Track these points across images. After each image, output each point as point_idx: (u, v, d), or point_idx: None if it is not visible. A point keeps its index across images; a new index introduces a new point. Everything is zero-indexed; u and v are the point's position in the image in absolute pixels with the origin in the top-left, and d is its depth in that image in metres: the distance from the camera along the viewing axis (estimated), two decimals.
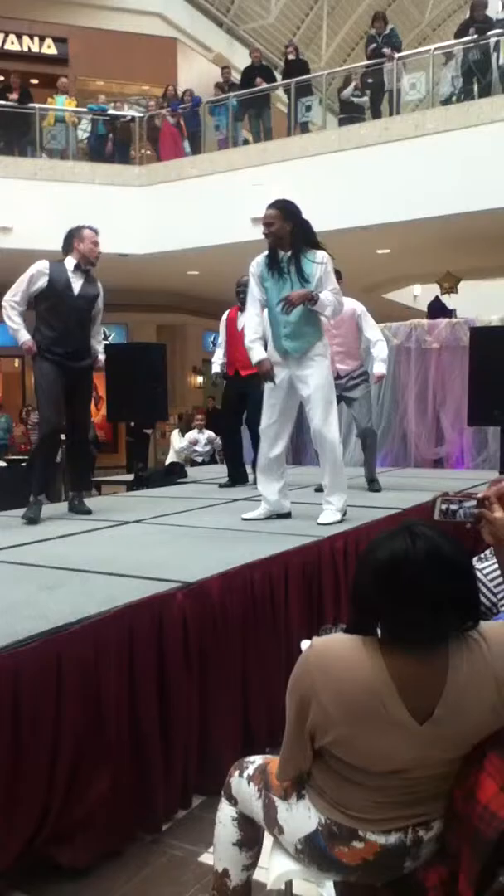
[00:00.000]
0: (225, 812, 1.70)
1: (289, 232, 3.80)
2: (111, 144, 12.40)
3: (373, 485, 5.28)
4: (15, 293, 4.15)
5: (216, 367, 5.86)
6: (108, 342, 15.08)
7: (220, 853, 1.70)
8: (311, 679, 1.45)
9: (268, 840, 1.66)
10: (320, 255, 3.86)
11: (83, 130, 12.49)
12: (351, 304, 5.12)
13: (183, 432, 10.40)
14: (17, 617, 2.25)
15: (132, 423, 7.68)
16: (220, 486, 5.81)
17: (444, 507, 1.62)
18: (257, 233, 11.58)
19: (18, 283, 4.16)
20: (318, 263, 3.84)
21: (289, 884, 1.63)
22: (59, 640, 2.11)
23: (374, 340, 5.31)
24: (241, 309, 5.55)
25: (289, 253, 3.84)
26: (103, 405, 12.19)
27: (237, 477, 5.84)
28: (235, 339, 5.58)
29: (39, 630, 2.11)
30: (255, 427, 5.81)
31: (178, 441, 10.26)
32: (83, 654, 2.16)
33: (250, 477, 5.69)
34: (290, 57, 11.88)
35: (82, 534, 3.70)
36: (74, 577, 2.81)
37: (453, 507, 1.62)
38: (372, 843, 1.46)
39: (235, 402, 5.75)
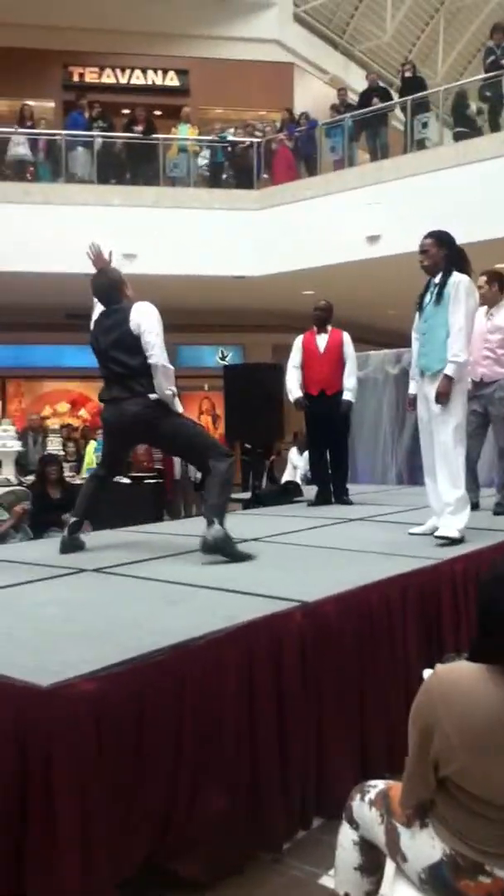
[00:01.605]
0: (346, 836, 1.69)
1: (442, 258, 4.06)
2: (229, 170, 12.74)
3: (499, 507, 5.15)
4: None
5: (297, 392, 5.86)
6: (225, 363, 15.37)
7: (341, 877, 1.70)
8: (434, 708, 1.43)
9: (390, 866, 1.65)
10: (455, 277, 3.99)
11: (203, 157, 12.88)
12: None
13: (301, 451, 10.43)
14: (142, 631, 2.33)
15: (247, 444, 7.77)
16: (309, 504, 5.87)
17: None
18: (372, 251, 11.60)
19: (160, 329, 3.78)
20: (451, 284, 3.98)
21: None
22: (182, 655, 2.17)
23: None
24: (320, 331, 5.84)
25: (437, 278, 4.06)
26: (221, 424, 12.44)
27: (326, 496, 5.88)
28: (317, 360, 5.78)
29: (163, 644, 2.18)
30: (340, 446, 5.91)
31: (296, 459, 10.29)
32: (204, 669, 2.20)
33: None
34: (408, 75, 11.85)
35: (198, 551, 3.78)
36: (194, 593, 2.88)
37: None
38: (499, 878, 1.42)
39: (322, 422, 5.81)
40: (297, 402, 5.90)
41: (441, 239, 4.12)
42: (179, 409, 3.82)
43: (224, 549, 3.53)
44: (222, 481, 3.72)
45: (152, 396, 3.68)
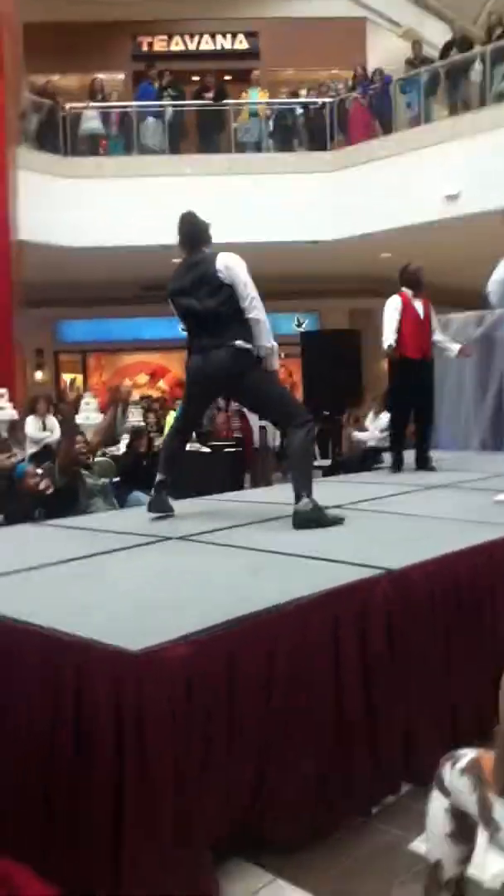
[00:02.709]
0: (437, 803, 1.68)
1: None
2: (302, 132, 12.52)
3: None
4: None
5: (390, 339, 5.62)
6: (301, 329, 15.26)
7: (433, 844, 1.69)
8: None
9: (482, 835, 1.63)
10: None
11: (275, 121, 12.69)
12: None
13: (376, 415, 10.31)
14: (229, 598, 2.35)
15: (325, 411, 7.74)
16: (391, 471, 5.79)
17: None
18: (450, 210, 11.26)
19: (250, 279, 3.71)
20: None
21: None
22: (270, 622, 2.19)
23: None
24: (416, 295, 5.65)
25: None
26: (298, 392, 12.41)
27: (400, 462, 5.79)
28: (419, 324, 5.58)
29: (250, 611, 2.20)
30: (431, 412, 5.85)
31: (372, 424, 10.19)
32: (291, 635, 2.21)
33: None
34: (493, 24, 11.33)
35: (284, 518, 3.78)
36: (279, 560, 2.90)
37: None
38: None
39: (421, 387, 5.70)
40: (390, 348, 5.60)
41: None
42: (276, 365, 3.73)
43: (316, 521, 3.52)
44: (303, 452, 3.68)
45: (240, 344, 3.58)
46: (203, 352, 3.68)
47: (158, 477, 3.94)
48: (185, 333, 3.85)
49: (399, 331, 5.61)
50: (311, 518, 3.51)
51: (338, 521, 3.58)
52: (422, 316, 5.67)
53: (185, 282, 3.71)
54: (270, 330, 3.67)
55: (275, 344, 3.67)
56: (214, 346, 3.62)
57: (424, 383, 5.75)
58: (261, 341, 3.61)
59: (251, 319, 3.58)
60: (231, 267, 3.59)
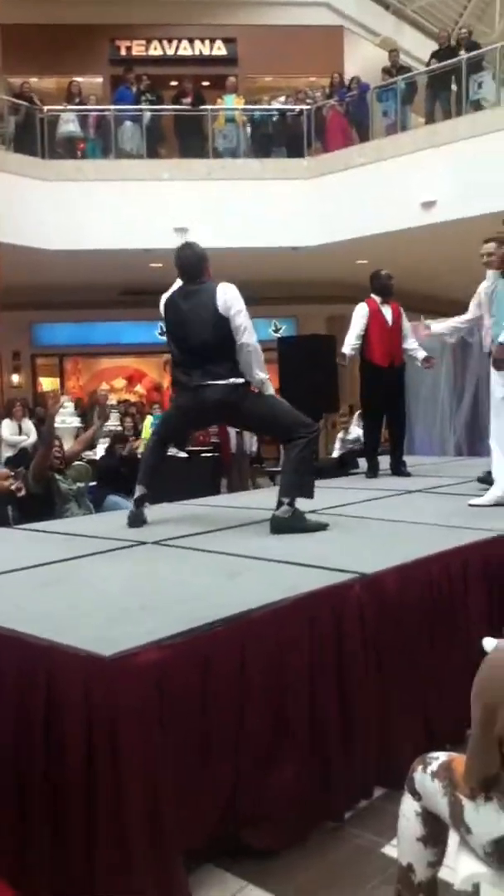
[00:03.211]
0: (408, 806, 1.69)
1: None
2: (279, 139, 12.56)
3: None
4: None
5: (350, 351, 5.68)
6: (278, 335, 15.29)
7: (404, 847, 1.70)
8: (499, 683, 1.41)
9: (453, 837, 1.64)
10: None
11: (251, 127, 12.71)
12: None
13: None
14: (203, 602, 2.35)
15: None
16: (367, 476, 5.83)
17: None
18: (427, 218, 11.34)
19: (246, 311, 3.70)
20: None
21: (476, 886, 1.60)
22: (243, 626, 2.18)
23: None
24: (384, 301, 5.68)
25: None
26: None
27: (376, 467, 5.84)
28: (387, 331, 5.60)
29: (224, 615, 2.19)
30: (402, 417, 5.96)
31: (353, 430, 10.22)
32: (265, 640, 2.21)
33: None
34: (462, 38, 11.46)
35: (260, 523, 3.78)
36: (253, 565, 2.89)
37: None
38: None
39: (388, 393, 5.73)
40: (341, 356, 5.75)
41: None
42: (271, 390, 3.70)
43: (290, 528, 3.54)
44: (296, 462, 3.64)
45: (234, 381, 3.57)
46: (195, 390, 3.62)
47: (138, 491, 3.87)
48: (162, 338, 3.82)
49: (366, 337, 5.65)
50: (289, 525, 3.53)
51: (321, 527, 3.59)
52: (390, 322, 5.68)
53: (182, 312, 3.65)
54: (262, 360, 3.64)
55: (265, 374, 3.65)
56: (208, 385, 3.58)
57: (393, 389, 5.77)
58: (253, 371, 3.59)
59: (245, 346, 3.54)
60: (230, 299, 3.56)
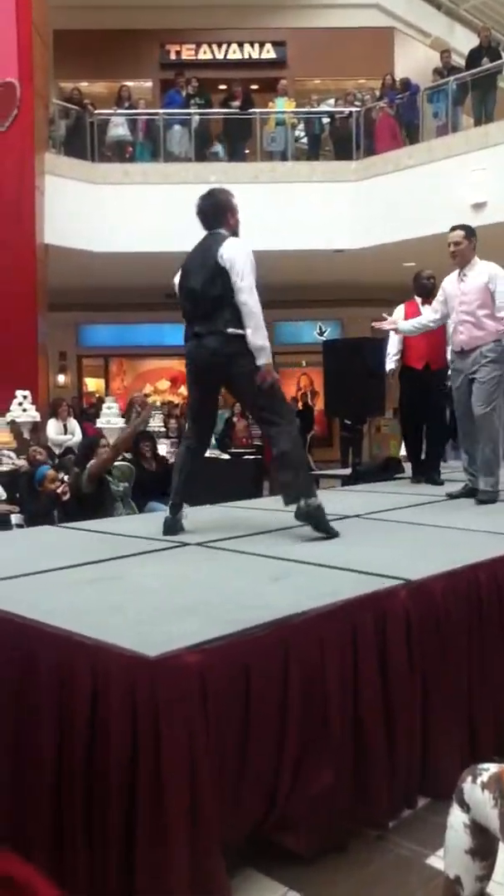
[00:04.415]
0: (457, 818, 1.65)
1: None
2: (328, 141, 12.55)
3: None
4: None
5: (391, 364, 5.66)
6: (323, 338, 15.28)
7: (451, 859, 1.66)
8: None
9: (503, 851, 1.60)
10: None
11: (301, 130, 12.72)
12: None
13: None
14: (246, 606, 2.34)
15: (346, 420, 7.69)
16: (412, 481, 5.73)
17: None
18: (477, 219, 11.21)
19: (251, 269, 3.55)
20: None
21: None
22: (286, 630, 2.16)
23: None
24: (425, 302, 5.47)
25: None
26: (319, 400, 12.37)
27: (421, 471, 5.71)
28: (424, 332, 5.29)
29: (267, 619, 2.18)
30: (441, 424, 5.81)
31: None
32: (308, 645, 2.19)
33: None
34: None
35: (302, 526, 3.76)
36: (296, 568, 2.87)
37: None
38: None
39: (423, 397, 5.57)
40: (391, 372, 5.73)
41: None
42: (265, 360, 3.45)
43: (321, 520, 3.48)
44: (299, 449, 3.57)
45: (231, 331, 3.42)
46: (197, 338, 3.54)
47: (173, 499, 3.74)
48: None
49: (402, 340, 5.56)
50: (315, 516, 3.47)
51: (336, 533, 3.50)
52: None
53: (191, 262, 3.58)
54: (263, 327, 3.47)
55: (266, 344, 3.47)
56: (208, 332, 3.48)
57: (427, 393, 5.56)
58: (250, 336, 3.42)
59: (242, 305, 3.39)
60: (233, 253, 3.43)
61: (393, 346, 5.69)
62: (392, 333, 5.62)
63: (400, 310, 5.66)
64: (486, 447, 4.60)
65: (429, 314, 5.06)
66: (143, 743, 1.84)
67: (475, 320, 4.59)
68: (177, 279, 3.67)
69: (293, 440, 3.56)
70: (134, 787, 1.85)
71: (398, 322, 5.21)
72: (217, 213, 3.63)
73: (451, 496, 4.81)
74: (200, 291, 3.47)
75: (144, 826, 1.83)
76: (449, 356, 5.12)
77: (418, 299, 5.64)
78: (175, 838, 1.81)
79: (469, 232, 4.77)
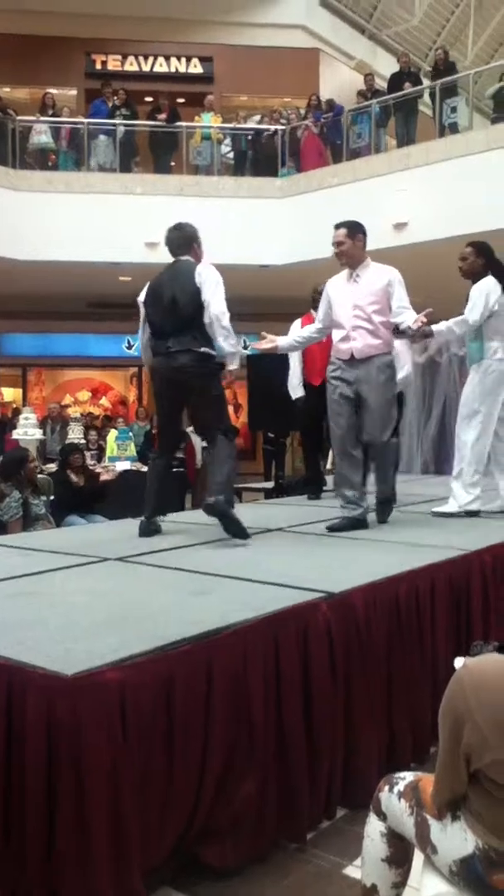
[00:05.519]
0: (374, 827, 1.68)
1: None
2: (253, 158, 12.67)
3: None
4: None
5: (301, 391, 5.59)
6: (247, 351, 15.35)
7: (368, 868, 1.68)
8: (466, 700, 1.41)
9: (418, 858, 1.63)
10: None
11: (227, 146, 12.81)
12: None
13: None
14: (168, 620, 2.32)
15: (270, 433, 7.76)
16: (309, 497, 5.76)
17: None
18: (399, 239, 11.48)
19: (222, 289, 3.88)
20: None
21: None
22: (209, 645, 2.16)
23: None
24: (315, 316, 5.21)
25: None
26: (243, 413, 12.41)
27: (316, 487, 5.80)
28: (319, 347, 5.08)
29: (189, 634, 2.17)
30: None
31: None
32: (232, 659, 2.19)
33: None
34: (440, 59, 11.73)
35: (224, 540, 3.76)
36: (219, 583, 2.87)
37: None
38: None
39: (324, 412, 5.03)
40: (300, 400, 5.57)
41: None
42: (235, 366, 3.89)
43: (227, 515, 3.70)
44: (230, 459, 3.88)
45: (204, 350, 3.77)
46: (168, 355, 3.82)
47: (146, 512, 4.06)
48: (129, 352, 3.94)
49: (302, 362, 5.53)
50: (223, 511, 3.71)
51: (246, 533, 3.74)
52: (324, 339, 4.72)
53: (162, 283, 3.89)
54: (230, 331, 3.80)
55: (236, 347, 3.85)
56: (180, 349, 3.78)
57: (326, 409, 5.02)
58: (220, 345, 3.77)
59: (213, 316, 3.73)
60: (206, 276, 3.80)
61: (295, 375, 5.61)
62: (292, 361, 5.59)
63: (297, 324, 5.49)
64: (389, 471, 4.45)
65: (311, 326, 4.63)
66: (61, 763, 1.80)
67: (372, 327, 4.13)
68: (142, 297, 3.98)
69: (229, 450, 3.93)
70: (54, 807, 1.81)
71: (276, 340, 4.55)
72: (184, 243, 4.00)
73: (331, 529, 4.11)
74: (177, 311, 3.79)
75: (64, 846, 1.79)
76: (331, 365, 4.35)
77: (314, 313, 5.27)
78: (97, 860, 1.78)
79: (353, 229, 4.38)
